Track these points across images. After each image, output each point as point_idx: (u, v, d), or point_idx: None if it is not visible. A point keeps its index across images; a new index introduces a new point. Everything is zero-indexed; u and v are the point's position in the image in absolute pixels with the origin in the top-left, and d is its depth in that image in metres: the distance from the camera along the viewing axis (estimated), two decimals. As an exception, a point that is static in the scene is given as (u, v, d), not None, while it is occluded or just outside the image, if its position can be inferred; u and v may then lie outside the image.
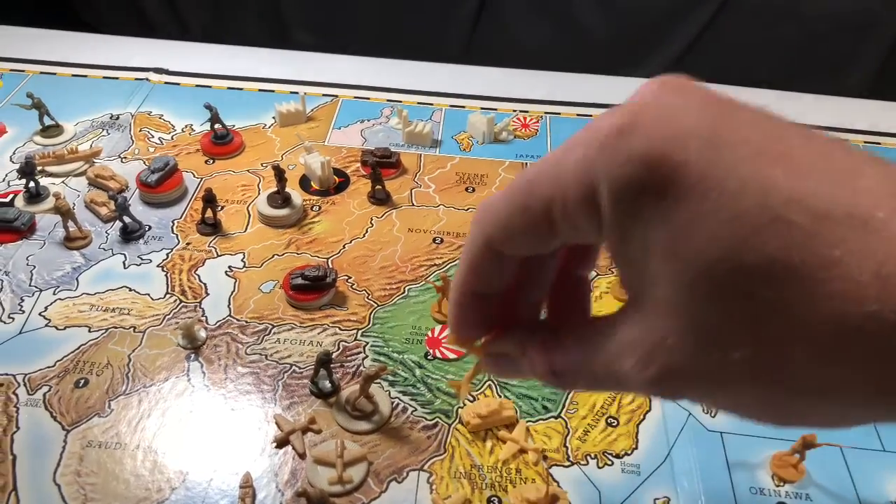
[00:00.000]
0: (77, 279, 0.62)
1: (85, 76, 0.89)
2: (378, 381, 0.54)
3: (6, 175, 0.73)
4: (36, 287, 0.61)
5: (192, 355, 0.57)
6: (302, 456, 0.50)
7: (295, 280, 0.61)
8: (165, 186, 0.71)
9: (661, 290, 0.21)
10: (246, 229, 0.69)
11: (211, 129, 0.78)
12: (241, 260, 0.65)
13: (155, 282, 0.63)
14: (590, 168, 0.21)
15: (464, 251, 0.27)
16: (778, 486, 0.50)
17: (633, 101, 0.21)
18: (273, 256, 0.66)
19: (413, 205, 0.72)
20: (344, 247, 0.67)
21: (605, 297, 0.63)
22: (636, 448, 0.52)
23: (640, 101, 0.21)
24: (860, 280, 0.17)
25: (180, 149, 0.78)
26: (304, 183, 0.74)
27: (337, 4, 1.38)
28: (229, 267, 0.64)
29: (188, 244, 0.67)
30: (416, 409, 0.54)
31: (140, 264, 0.64)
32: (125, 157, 0.76)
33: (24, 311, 0.59)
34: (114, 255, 0.65)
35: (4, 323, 0.58)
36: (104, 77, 0.89)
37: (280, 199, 0.69)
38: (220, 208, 0.69)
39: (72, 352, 0.56)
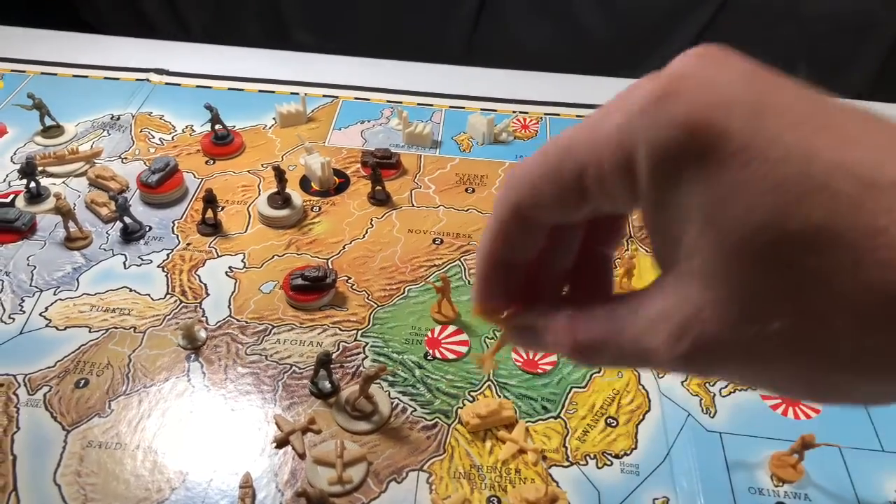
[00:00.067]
0: (77, 279, 0.63)
1: (86, 77, 0.89)
2: (378, 381, 0.54)
3: (7, 175, 0.74)
4: (36, 287, 0.62)
5: (193, 356, 0.57)
6: (302, 456, 0.50)
7: (295, 280, 0.61)
8: (166, 187, 0.71)
9: (698, 259, 0.20)
10: (246, 230, 0.69)
11: (211, 130, 0.78)
12: (242, 260, 0.65)
13: (155, 282, 0.63)
14: (628, 133, 0.21)
15: (491, 217, 0.27)
16: (777, 486, 0.50)
17: (673, 69, 0.21)
18: (273, 257, 0.66)
19: (413, 205, 0.72)
20: (344, 247, 0.67)
21: (604, 297, 0.63)
22: (635, 448, 0.52)
23: (680, 68, 0.21)
24: None
25: (181, 149, 0.78)
26: (305, 184, 0.75)
27: (337, 5, 1.38)
28: (230, 267, 0.64)
29: (188, 245, 0.67)
30: (415, 410, 0.54)
31: (140, 265, 0.64)
32: (126, 158, 0.77)
33: (24, 312, 0.60)
34: (114, 255, 0.65)
35: (5, 323, 0.59)
36: (105, 78, 0.89)
37: (280, 199, 0.69)
38: (220, 209, 0.69)
39: (72, 352, 0.56)
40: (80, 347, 0.57)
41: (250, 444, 0.51)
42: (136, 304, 0.61)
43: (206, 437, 0.51)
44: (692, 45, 0.22)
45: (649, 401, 0.55)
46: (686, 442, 0.52)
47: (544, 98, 0.89)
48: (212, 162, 0.77)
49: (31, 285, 0.62)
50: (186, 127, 0.81)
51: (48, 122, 0.79)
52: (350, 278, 0.64)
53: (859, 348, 0.18)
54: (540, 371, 0.57)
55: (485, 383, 0.56)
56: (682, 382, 0.57)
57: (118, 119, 0.82)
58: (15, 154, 0.77)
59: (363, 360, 0.57)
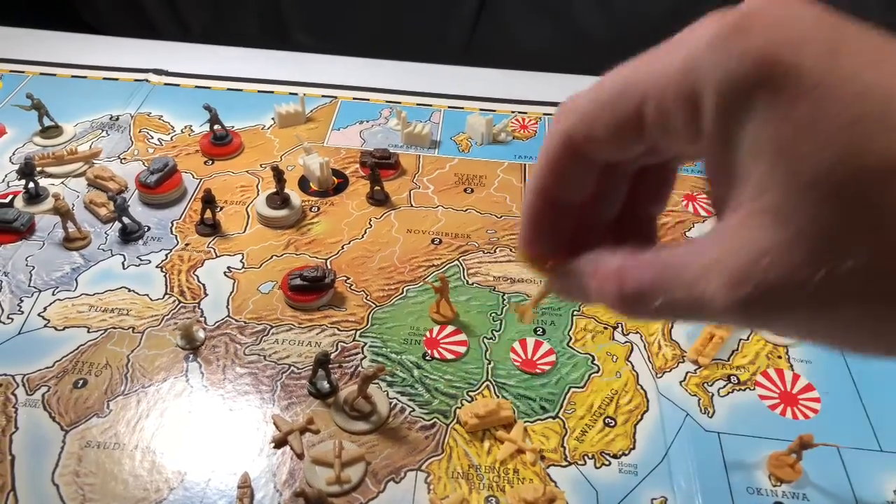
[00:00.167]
0: (76, 280, 0.63)
1: (84, 77, 0.90)
2: (376, 381, 0.54)
3: (6, 176, 0.74)
4: (35, 288, 0.62)
5: (191, 356, 0.57)
6: (300, 456, 0.50)
7: (293, 281, 0.61)
8: (164, 187, 0.71)
9: (767, 196, 0.20)
10: (245, 230, 0.69)
11: (210, 130, 0.78)
12: (240, 261, 0.65)
13: (154, 282, 0.63)
14: (695, 66, 0.20)
15: (540, 152, 0.26)
16: (775, 486, 0.50)
17: (742, 7, 0.21)
18: (272, 257, 0.66)
19: (412, 206, 0.72)
20: (343, 247, 0.67)
21: (603, 297, 0.63)
22: (633, 448, 0.52)
23: (749, 7, 0.20)
24: None
25: (179, 150, 0.78)
26: (303, 184, 0.75)
27: (337, 5, 1.38)
28: (228, 268, 0.65)
29: (187, 245, 0.67)
30: (413, 410, 0.54)
31: (139, 265, 0.64)
32: (124, 158, 0.77)
33: (23, 312, 0.60)
34: (113, 255, 0.65)
35: (3, 323, 0.59)
36: (104, 78, 0.89)
37: (279, 199, 0.70)
38: (219, 209, 0.69)
39: (71, 352, 0.56)
40: (78, 348, 0.57)
41: (248, 444, 0.51)
42: (134, 304, 0.61)
43: (205, 438, 0.51)
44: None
45: (647, 401, 0.55)
46: (684, 442, 0.52)
47: (543, 98, 0.89)
48: (210, 162, 0.77)
49: (29, 285, 0.62)
50: (185, 127, 0.81)
51: (47, 122, 0.79)
52: (349, 278, 0.64)
53: None
54: (538, 371, 0.57)
55: (483, 383, 0.56)
56: (681, 382, 0.57)
57: (117, 119, 0.82)
58: (14, 154, 0.77)
59: (362, 360, 0.57)
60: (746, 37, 0.20)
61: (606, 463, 0.51)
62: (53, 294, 0.61)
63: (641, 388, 0.56)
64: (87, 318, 0.59)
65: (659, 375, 0.57)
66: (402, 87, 0.90)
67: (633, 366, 0.58)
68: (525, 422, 0.53)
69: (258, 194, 0.72)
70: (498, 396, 0.55)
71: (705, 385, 0.57)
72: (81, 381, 0.54)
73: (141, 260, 0.65)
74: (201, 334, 0.58)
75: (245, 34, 1.43)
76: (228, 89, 0.89)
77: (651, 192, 0.29)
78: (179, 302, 0.61)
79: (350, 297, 0.62)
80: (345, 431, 0.52)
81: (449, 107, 0.87)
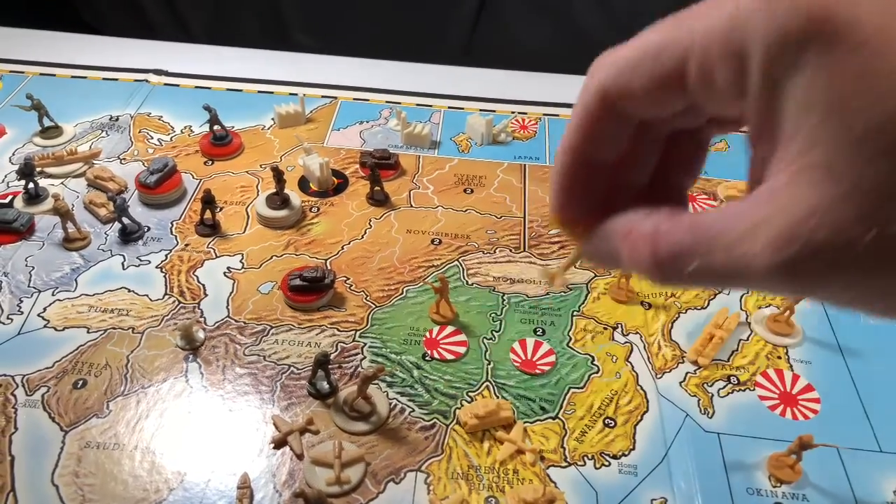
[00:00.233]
0: (76, 280, 0.63)
1: (84, 77, 0.90)
2: (376, 381, 0.54)
3: (5, 176, 0.74)
4: (35, 288, 0.62)
5: (191, 356, 0.57)
6: (300, 457, 0.50)
7: (293, 281, 0.61)
8: (164, 188, 0.71)
9: (817, 152, 0.19)
10: (245, 230, 0.69)
11: (210, 131, 0.78)
12: (240, 261, 0.65)
13: (154, 283, 0.63)
14: (742, 21, 0.20)
15: (574, 109, 0.25)
16: (775, 486, 0.50)
17: None
18: (271, 257, 0.66)
19: (411, 206, 0.72)
20: (342, 248, 0.67)
21: (602, 297, 0.63)
22: (633, 449, 0.52)
23: None
24: None
25: (179, 150, 0.78)
26: (303, 184, 0.75)
27: (337, 6, 1.38)
28: (228, 268, 0.65)
29: (187, 245, 0.67)
30: (413, 410, 0.54)
31: (139, 265, 0.64)
32: (124, 159, 0.77)
33: (22, 312, 0.60)
34: (113, 256, 0.65)
35: (3, 324, 0.59)
36: (104, 78, 0.89)
37: (279, 200, 0.70)
38: (218, 209, 0.69)
39: (70, 353, 0.56)
40: (78, 348, 0.57)
41: (248, 444, 0.51)
42: (134, 304, 0.61)
43: (204, 438, 0.51)
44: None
45: (647, 401, 0.55)
46: (684, 442, 0.52)
47: (543, 99, 0.89)
48: (210, 162, 0.77)
49: (29, 286, 0.62)
50: (185, 127, 0.81)
51: (47, 122, 0.79)
52: (348, 279, 0.64)
53: None
54: (538, 371, 0.57)
55: (483, 384, 0.56)
56: (681, 383, 0.57)
57: (117, 120, 0.82)
58: (13, 155, 0.77)
59: (361, 360, 0.57)
60: None
61: (606, 463, 0.51)
62: (53, 294, 0.61)
63: (641, 388, 0.56)
64: (86, 318, 0.59)
65: (659, 376, 0.57)
66: (401, 88, 0.90)
67: (632, 366, 0.58)
68: (525, 422, 0.53)
69: (258, 195, 0.72)
70: (498, 397, 0.55)
71: (705, 385, 0.57)
72: (81, 382, 0.54)
73: (141, 260, 0.65)
74: (201, 335, 0.58)
75: (245, 34, 1.43)
76: (228, 90, 0.89)
77: (683, 163, 0.28)
78: (179, 302, 0.61)
79: (350, 298, 0.62)
80: (344, 432, 0.52)
81: (449, 107, 0.87)
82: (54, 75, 0.89)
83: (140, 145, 0.79)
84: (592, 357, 0.58)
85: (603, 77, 0.24)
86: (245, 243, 0.67)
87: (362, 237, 0.68)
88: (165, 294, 0.62)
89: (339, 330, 0.60)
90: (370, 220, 0.70)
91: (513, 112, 0.87)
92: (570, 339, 0.60)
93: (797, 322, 0.61)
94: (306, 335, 0.59)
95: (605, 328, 0.61)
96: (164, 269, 0.64)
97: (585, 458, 0.51)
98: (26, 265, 0.64)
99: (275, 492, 0.48)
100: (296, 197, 0.71)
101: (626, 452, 0.52)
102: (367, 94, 0.89)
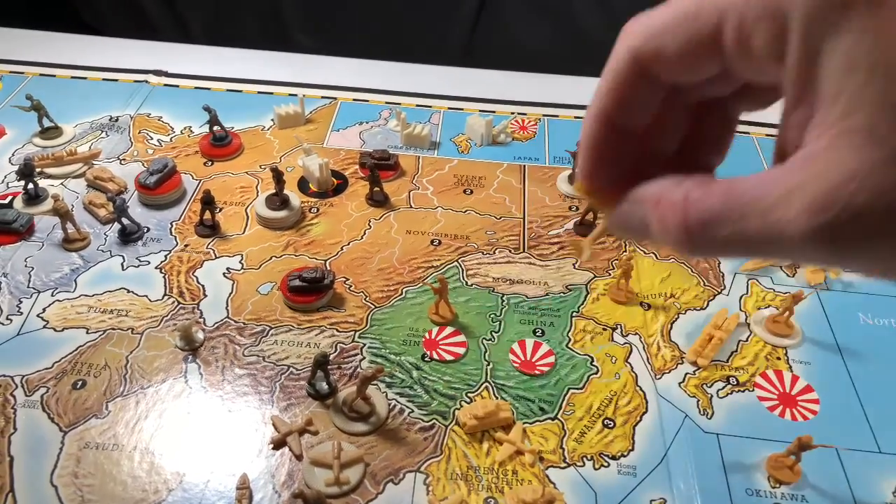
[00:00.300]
0: (75, 281, 0.63)
1: (84, 78, 0.90)
2: (375, 382, 0.54)
3: (5, 177, 0.74)
4: (34, 288, 0.62)
5: (190, 357, 0.57)
6: (299, 457, 0.50)
7: (293, 282, 0.61)
8: (164, 188, 0.71)
9: (859, 115, 0.19)
10: (244, 231, 0.69)
11: (210, 131, 0.78)
12: (240, 262, 0.65)
13: (153, 283, 0.63)
14: None
15: (604, 72, 0.25)
16: (774, 487, 0.50)
17: None
18: (271, 258, 0.66)
19: (411, 207, 0.72)
20: (342, 248, 0.67)
21: (602, 298, 0.63)
22: (632, 450, 0.52)
23: None
24: None
25: (179, 150, 0.78)
26: (303, 185, 0.75)
27: (336, 6, 1.38)
28: (227, 269, 0.65)
29: (186, 246, 0.67)
30: (412, 411, 0.54)
31: (138, 266, 0.64)
32: (124, 159, 0.77)
33: (22, 313, 0.60)
34: (112, 256, 0.65)
35: (2, 324, 0.59)
36: (103, 79, 0.89)
37: (278, 200, 0.70)
38: (218, 210, 0.69)
39: (70, 353, 0.56)
40: (77, 349, 0.57)
41: (247, 445, 0.51)
42: (133, 305, 0.61)
43: (204, 439, 0.51)
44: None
45: (646, 402, 0.55)
46: (683, 443, 0.52)
47: (543, 99, 0.89)
48: (210, 163, 0.77)
49: (28, 286, 0.62)
50: (185, 128, 0.82)
51: (46, 123, 0.79)
52: (348, 279, 0.64)
53: None
54: (537, 372, 0.57)
55: (482, 384, 0.56)
56: (680, 384, 0.57)
57: (116, 120, 0.82)
58: (13, 155, 0.77)
59: (360, 361, 0.57)
60: None
61: (605, 464, 0.51)
62: (52, 295, 0.61)
63: (640, 389, 0.56)
64: (86, 319, 0.59)
65: (658, 377, 0.57)
66: (401, 89, 0.90)
67: (632, 367, 0.58)
68: (524, 423, 0.53)
69: (257, 195, 0.72)
70: (497, 398, 0.55)
71: (704, 386, 0.57)
72: (80, 382, 0.54)
73: (140, 261, 0.65)
74: (200, 335, 0.58)
75: (245, 35, 1.43)
76: (228, 90, 0.89)
77: (711, 141, 0.28)
78: (178, 303, 0.61)
79: (349, 298, 0.62)
80: (343, 433, 0.52)
81: (448, 108, 0.87)
82: (54, 76, 0.89)
83: (140, 146, 0.79)
84: (592, 358, 0.58)
85: (635, 41, 0.24)
86: (244, 244, 0.67)
87: (362, 238, 0.68)
88: (165, 295, 0.62)
89: (338, 331, 0.60)
90: (370, 221, 0.70)
91: (512, 113, 0.87)
92: (570, 339, 0.60)
93: (796, 323, 0.61)
94: (306, 336, 0.59)
95: (604, 329, 0.61)
96: (163, 270, 0.64)
97: (584, 459, 0.51)
98: (26, 266, 0.64)
99: (274, 492, 0.48)
100: (295, 198, 0.71)
101: (626, 453, 0.52)
102: (367, 94, 0.89)
